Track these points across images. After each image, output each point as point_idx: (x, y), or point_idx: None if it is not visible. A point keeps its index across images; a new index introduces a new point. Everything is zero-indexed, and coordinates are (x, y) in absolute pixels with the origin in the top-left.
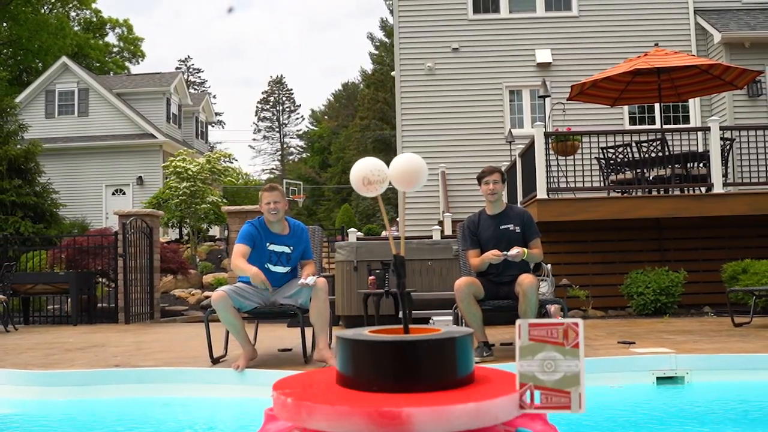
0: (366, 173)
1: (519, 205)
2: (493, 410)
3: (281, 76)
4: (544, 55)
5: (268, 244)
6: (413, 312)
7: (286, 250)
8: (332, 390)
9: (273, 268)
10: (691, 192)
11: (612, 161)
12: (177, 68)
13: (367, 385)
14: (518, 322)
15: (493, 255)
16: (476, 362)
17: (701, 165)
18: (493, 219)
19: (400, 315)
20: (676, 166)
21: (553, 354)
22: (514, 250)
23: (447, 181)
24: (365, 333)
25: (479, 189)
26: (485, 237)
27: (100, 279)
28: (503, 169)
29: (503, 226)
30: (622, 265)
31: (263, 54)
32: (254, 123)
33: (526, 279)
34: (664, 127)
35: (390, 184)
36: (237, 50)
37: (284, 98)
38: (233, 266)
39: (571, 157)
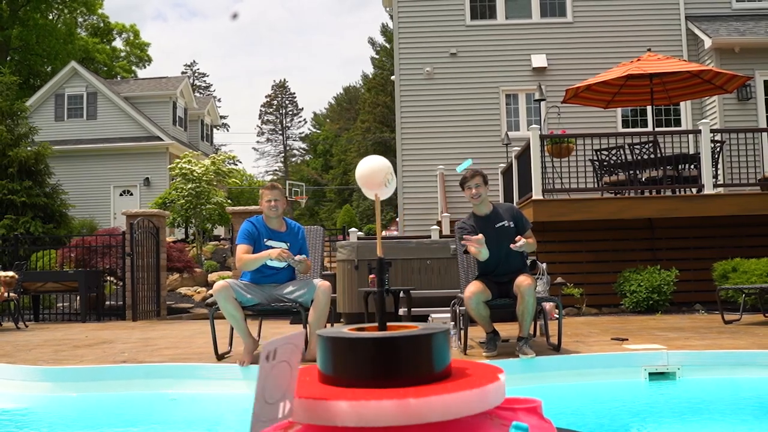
0: (385, 174)
1: (516, 205)
2: (464, 402)
3: (284, 80)
4: (539, 60)
5: (265, 240)
6: (413, 309)
7: (283, 246)
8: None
9: (270, 263)
10: (683, 193)
11: (605, 163)
12: (183, 73)
13: (347, 381)
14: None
15: (476, 240)
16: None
17: (692, 167)
18: (486, 220)
19: (401, 312)
20: (668, 167)
21: None
22: (519, 242)
23: (445, 182)
24: (345, 330)
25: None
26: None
27: (108, 277)
28: (500, 170)
29: (498, 225)
30: (615, 264)
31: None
32: (258, 126)
33: (524, 281)
34: (656, 129)
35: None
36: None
37: (287, 102)
38: (241, 264)
39: (566, 158)
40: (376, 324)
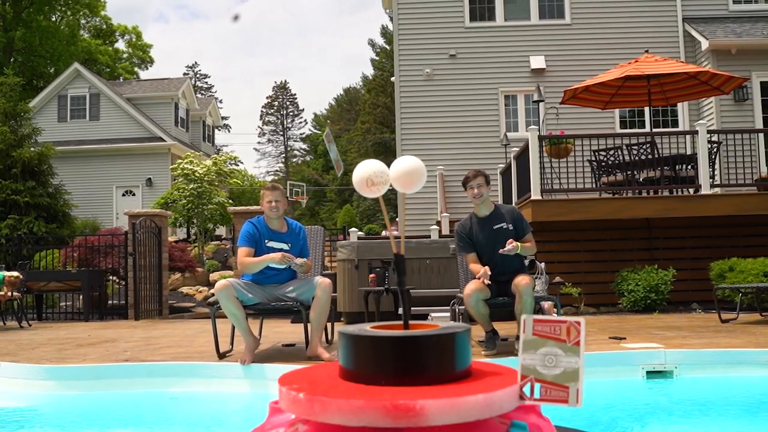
0: (369, 175)
1: (514, 205)
2: (498, 401)
3: (285, 81)
4: (538, 61)
5: (266, 241)
6: (412, 309)
7: (284, 247)
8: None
9: (271, 264)
10: (680, 193)
11: (603, 163)
12: (184, 74)
13: (373, 379)
14: (524, 317)
15: (485, 274)
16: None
17: (689, 167)
18: (485, 221)
19: (400, 311)
20: (665, 168)
21: (554, 350)
22: (509, 245)
23: (445, 183)
24: (368, 329)
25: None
26: (481, 239)
27: (111, 277)
28: (499, 170)
29: (496, 226)
30: (613, 264)
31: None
32: (259, 127)
33: (522, 281)
34: (654, 130)
35: (390, 186)
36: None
37: (288, 102)
38: (243, 267)
39: (564, 159)
40: (391, 323)
